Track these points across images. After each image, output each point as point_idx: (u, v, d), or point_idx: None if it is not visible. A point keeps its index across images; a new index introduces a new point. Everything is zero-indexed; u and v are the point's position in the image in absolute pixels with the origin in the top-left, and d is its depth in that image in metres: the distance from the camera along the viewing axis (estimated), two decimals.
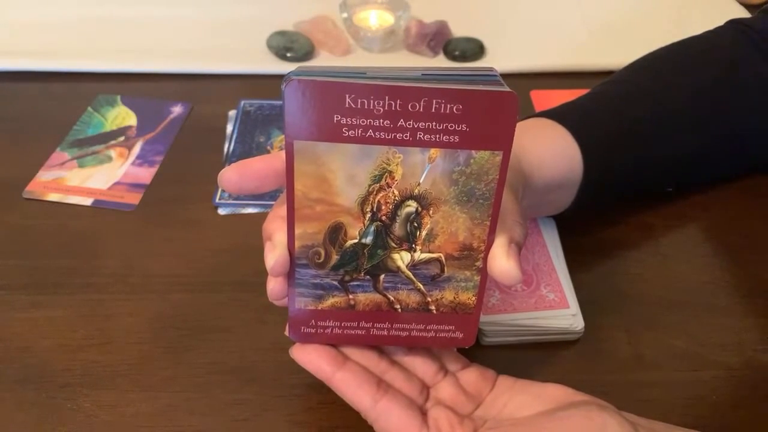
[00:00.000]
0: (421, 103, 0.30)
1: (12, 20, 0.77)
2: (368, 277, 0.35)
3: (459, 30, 0.76)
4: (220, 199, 0.56)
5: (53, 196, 0.57)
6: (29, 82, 0.70)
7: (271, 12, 0.79)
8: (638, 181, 0.52)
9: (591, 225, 0.53)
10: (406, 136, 0.31)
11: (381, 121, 0.30)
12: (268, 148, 0.61)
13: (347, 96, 0.29)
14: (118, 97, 0.68)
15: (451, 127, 0.30)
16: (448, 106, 0.30)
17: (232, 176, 0.35)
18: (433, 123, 0.30)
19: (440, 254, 0.34)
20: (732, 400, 0.43)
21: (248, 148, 0.61)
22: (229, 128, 0.64)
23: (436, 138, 0.31)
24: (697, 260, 0.52)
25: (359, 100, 0.30)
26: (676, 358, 0.45)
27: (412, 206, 0.33)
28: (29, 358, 0.44)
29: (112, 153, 0.61)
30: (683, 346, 0.46)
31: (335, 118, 0.30)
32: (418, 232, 0.34)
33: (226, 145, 0.62)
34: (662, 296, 0.49)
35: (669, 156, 0.52)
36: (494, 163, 0.31)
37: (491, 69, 0.33)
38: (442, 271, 0.35)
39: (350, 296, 0.36)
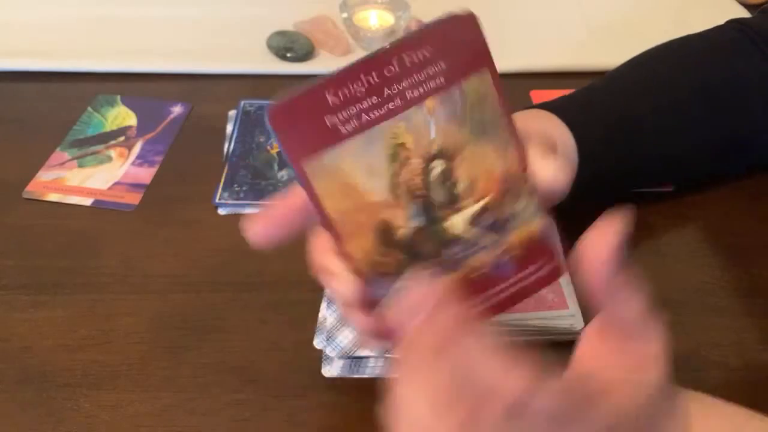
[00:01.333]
0: (395, 64, 0.29)
1: (12, 20, 0.77)
2: (438, 258, 0.33)
3: None
4: (220, 199, 0.56)
5: (53, 196, 0.57)
6: (29, 82, 0.70)
7: (271, 12, 0.79)
8: (634, 175, 0.52)
9: (591, 225, 0.53)
10: (397, 102, 0.30)
11: (368, 100, 0.29)
12: (268, 148, 0.61)
13: (326, 93, 0.29)
14: (118, 97, 0.68)
15: (431, 71, 0.30)
16: (419, 52, 0.29)
17: (258, 229, 0.32)
18: (414, 76, 0.30)
19: (488, 197, 0.33)
20: (732, 400, 0.43)
21: (248, 148, 0.61)
22: (229, 128, 0.64)
23: (424, 89, 0.30)
24: (697, 260, 0.52)
25: (339, 92, 0.29)
26: (677, 358, 0.45)
27: (438, 166, 0.32)
28: (29, 358, 0.44)
29: (112, 153, 0.61)
30: (683, 346, 0.46)
31: (327, 121, 0.29)
32: (455, 189, 0.32)
33: (226, 145, 0.62)
34: (662, 296, 0.49)
35: (665, 152, 0.52)
36: (486, 83, 0.31)
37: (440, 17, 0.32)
38: (499, 213, 0.33)
39: None
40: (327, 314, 0.46)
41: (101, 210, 0.56)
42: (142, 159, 0.61)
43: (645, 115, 0.51)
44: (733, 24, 0.57)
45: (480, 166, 0.32)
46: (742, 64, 0.54)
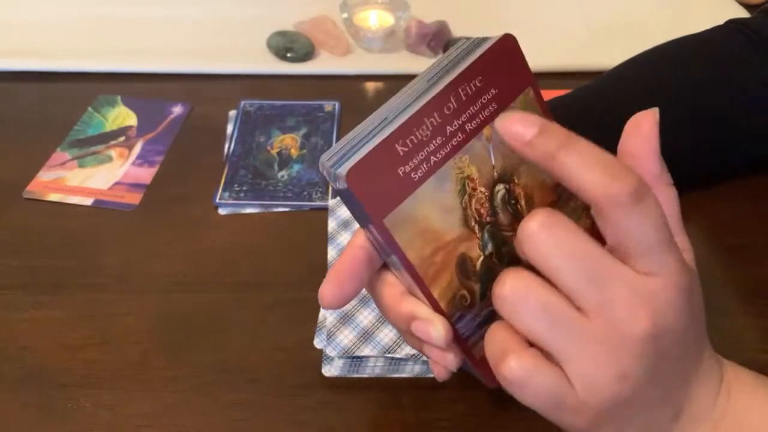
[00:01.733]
0: (452, 101, 0.30)
1: (12, 20, 0.77)
2: None
3: (459, 30, 0.76)
4: (220, 199, 0.56)
5: (54, 196, 0.57)
6: (29, 82, 0.70)
7: (271, 12, 0.79)
8: None
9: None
10: (460, 137, 0.30)
11: (434, 141, 0.30)
12: (269, 148, 0.61)
13: (396, 145, 0.29)
14: (119, 97, 0.68)
15: (485, 99, 0.30)
16: (472, 84, 0.30)
17: (333, 291, 0.32)
18: (471, 108, 0.30)
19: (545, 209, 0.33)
20: None
21: (248, 148, 0.61)
22: (229, 128, 0.64)
23: (480, 118, 0.31)
24: (696, 260, 0.52)
25: (407, 140, 0.29)
26: None
27: (501, 190, 0.32)
28: (29, 358, 0.44)
29: (113, 153, 0.62)
30: None
31: (400, 172, 0.29)
32: (518, 206, 0.33)
33: (226, 145, 0.62)
34: None
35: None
36: (531, 101, 0.32)
37: (467, 38, 0.32)
38: None
39: None
40: (327, 314, 0.46)
41: (101, 210, 0.56)
42: (143, 159, 0.61)
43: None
44: (733, 24, 0.57)
45: (535, 180, 0.33)
46: (740, 64, 0.54)
